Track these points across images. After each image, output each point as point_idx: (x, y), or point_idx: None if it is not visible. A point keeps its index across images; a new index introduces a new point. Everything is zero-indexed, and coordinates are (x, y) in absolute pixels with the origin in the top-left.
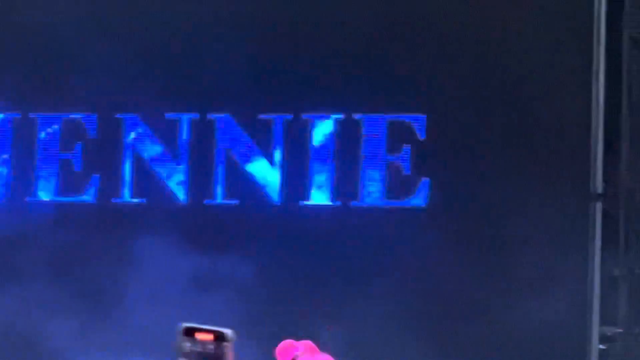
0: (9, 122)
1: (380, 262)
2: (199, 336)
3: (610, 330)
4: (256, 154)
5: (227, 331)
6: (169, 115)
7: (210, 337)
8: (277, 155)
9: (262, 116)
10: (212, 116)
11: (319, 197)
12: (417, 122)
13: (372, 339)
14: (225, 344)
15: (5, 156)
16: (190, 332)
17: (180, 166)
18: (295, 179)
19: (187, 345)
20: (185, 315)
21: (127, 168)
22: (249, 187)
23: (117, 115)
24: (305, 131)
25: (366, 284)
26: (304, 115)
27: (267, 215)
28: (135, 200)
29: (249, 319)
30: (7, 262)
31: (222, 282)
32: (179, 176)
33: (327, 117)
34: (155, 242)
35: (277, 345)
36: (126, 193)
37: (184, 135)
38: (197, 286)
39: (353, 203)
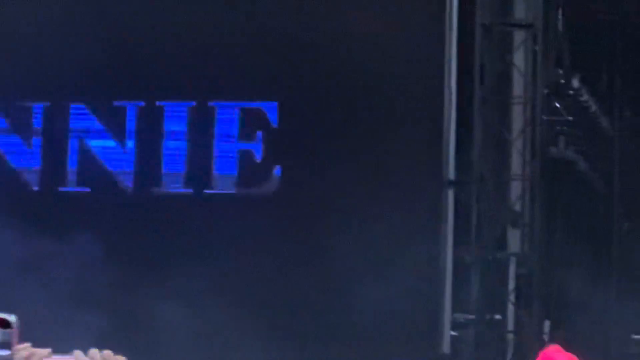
0: None
1: (231, 247)
2: None
3: (462, 317)
4: (109, 141)
5: (10, 317)
6: (22, 102)
7: None
8: (130, 142)
9: (115, 103)
10: (65, 103)
11: (171, 184)
12: (269, 109)
13: (214, 324)
14: (8, 330)
15: None
16: None
17: (34, 153)
18: (148, 166)
19: None
20: (25, 303)
21: None
22: (102, 174)
23: None
24: (158, 118)
25: (217, 269)
26: (158, 103)
27: (120, 202)
28: None
29: (93, 305)
30: None
31: (70, 268)
32: (32, 163)
33: (180, 105)
34: (4, 229)
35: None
36: None
37: (38, 123)
38: (44, 274)
39: (205, 190)
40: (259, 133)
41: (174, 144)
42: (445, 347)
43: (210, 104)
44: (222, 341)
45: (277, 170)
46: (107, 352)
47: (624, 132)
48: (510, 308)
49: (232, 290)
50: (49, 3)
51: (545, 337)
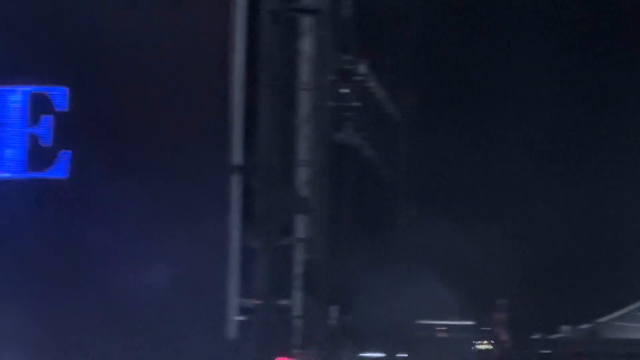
0: None
1: (19, 231)
2: None
3: (249, 302)
4: None
5: None
6: None
7: None
8: None
9: None
10: None
11: None
12: (59, 94)
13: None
14: None
15: None
16: None
17: None
18: None
19: None
20: None
21: None
22: None
23: None
24: None
25: (3, 254)
26: None
27: None
28: None
29: None
30: None
31: None
32: None
33: None
34: None
35: None
36: None
37: None
38: None
39: None
40: (49, 117)
41: None
42: (232, 332)
43: None
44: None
45: (66, 154)
46: None
47: (410, 119)
48: (297, 293)
49: (14, 275)
50: None
51: (333, 322)
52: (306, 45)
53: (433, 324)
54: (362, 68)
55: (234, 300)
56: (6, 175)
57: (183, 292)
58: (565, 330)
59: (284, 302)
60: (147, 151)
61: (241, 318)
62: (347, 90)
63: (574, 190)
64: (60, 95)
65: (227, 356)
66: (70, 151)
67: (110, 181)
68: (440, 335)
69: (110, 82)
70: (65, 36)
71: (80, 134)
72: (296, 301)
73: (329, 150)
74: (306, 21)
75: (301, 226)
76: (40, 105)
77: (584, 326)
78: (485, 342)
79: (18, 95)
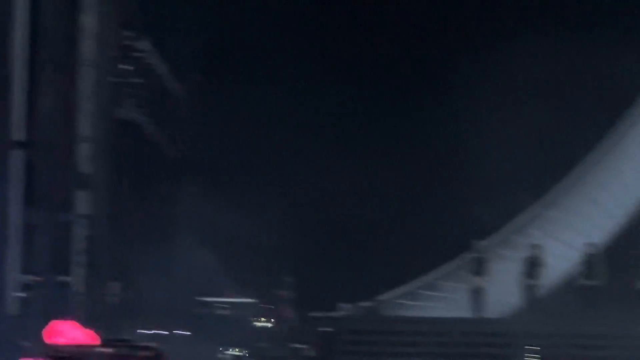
0: None
1: None
2: None
3: (30, 279)
4: None
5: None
6: None
7: None
8: None
9: None
10: None
11: None
12: None
13: None
14: None
15: None
16: None
17: None
18: None
19: None
20: None
21: None
22: None
23: None
24: None
25: None
26: None
27: None
28: None
29: None
30: None
31: None
32: None
33: None
34: None
35: None
36: None
37: None
38: None
39: None
40: None
41: None
42: (12, 309)
43: None
44: None
45: None
46: None
47: (191, 95)
48: (78, 270)
49: None
50: None
51: (114, 299)
52: (88, 21)
53: (213, 301)
54: (144, 44)
55: (14, 276)
56: None
57: None
58: (345, 308)
59: (64, 278)
60: None
61: (22, 294)
62: (128, 67)
63: (360, 169)
64: None
65: (7, 332)
66: None
67: None
68: (221, 312)
69: None
70: None
71: None
72: (77, 278)
73: (110, 127)
74: None
75: (82, 202)
76: None
77: (365, 304)
78: (267, 319)
79: None
